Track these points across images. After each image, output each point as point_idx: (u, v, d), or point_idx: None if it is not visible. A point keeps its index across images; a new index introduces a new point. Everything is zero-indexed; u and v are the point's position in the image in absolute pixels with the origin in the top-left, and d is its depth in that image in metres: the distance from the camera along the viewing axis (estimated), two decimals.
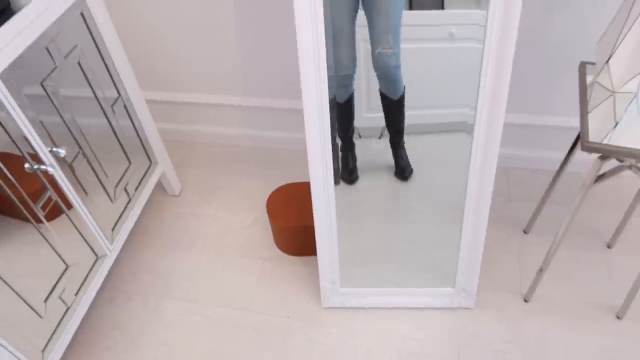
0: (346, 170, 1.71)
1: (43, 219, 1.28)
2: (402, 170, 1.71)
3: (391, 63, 1.46)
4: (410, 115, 1.63)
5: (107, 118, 1.51)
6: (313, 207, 1.38)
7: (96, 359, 1.52)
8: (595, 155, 1.20)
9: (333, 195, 1.39)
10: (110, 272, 1.72)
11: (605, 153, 1.10)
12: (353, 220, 1.70)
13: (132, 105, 1.59)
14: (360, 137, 1.73)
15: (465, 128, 1.41)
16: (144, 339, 1.56)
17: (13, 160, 1.18)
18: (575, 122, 1.74)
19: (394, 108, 1.60)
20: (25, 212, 1.23)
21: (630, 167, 1.28)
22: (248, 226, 1.84)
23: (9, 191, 1.17)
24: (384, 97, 1.59)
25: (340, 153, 1.68)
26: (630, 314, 1.50)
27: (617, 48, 1.11)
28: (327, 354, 1.48)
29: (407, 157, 1.71)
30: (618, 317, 1.50)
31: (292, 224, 1.64)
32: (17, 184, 1.18)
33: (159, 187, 1.95)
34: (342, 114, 1.64)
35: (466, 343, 1.48)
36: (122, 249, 1.78)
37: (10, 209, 1.21)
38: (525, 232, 1.73)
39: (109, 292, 1.68)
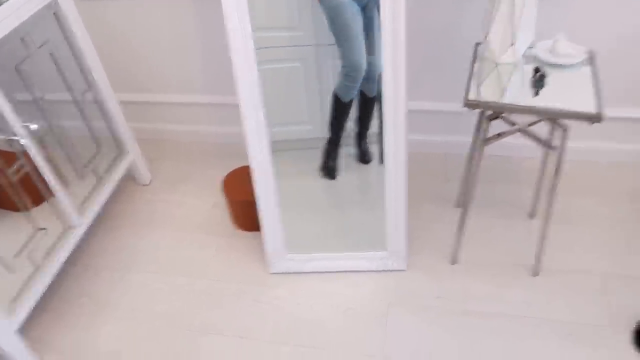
0: (327, 167, 1.95)
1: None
2: (364, 155, 1.98)
3: (378, 68, 1.69)
4: None
5: (78, 109, 1.73)
6: (253, 180, 1.57)
7: (66, 322, 1.68)
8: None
9: (270, 170, 1.57)
10: (80, 248, 1.90)
11: (482, 107, 1.30)
12: (300, 201, 1.90)
13: (103, 98, 1.81)
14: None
15: None
16: (110, 304, 1.73)
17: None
18: None
19: (369, 104, 1.83)
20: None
21: (520, 130, 1.48)
22: (208, 209, 2.03)
23: None
24: (363, 96, 1.83)
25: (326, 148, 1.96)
26: (545, 273, 1.67)
27: (492, 25, 1.33)
28: (274, 312, 1.65)
29: (368, 146, 1.96)
30: (534, 275, 1.67)
31: (242, 198, 1.82)
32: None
33: (130, 177, 2.15)
34: (344, 112, 1.87)
35: (397, 298, 1.64)
36: (92, 228, 1.96)
37: None
38: (455, 206, 1.92)
39: (80, 268, 1.86)
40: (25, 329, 1.62)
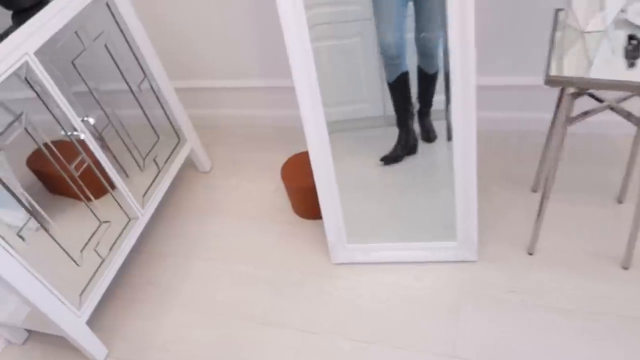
0: (399, 147, 1.87)
1: (81, 182, 1.49)
2: (428, 133, 1.86)
3: (434, 44, 1.57)
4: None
5: (136, 99, 1.72)
6: (312, 169, 1.50)
7: (132, 309, 1.71)
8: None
9: (329, 154, 1.49)
10: (144, 236, 1.92)
11: (565, 84, 1.14)
12: (361, 187, 1.82)
13: (159, 87, 1.80)
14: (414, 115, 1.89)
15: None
16: (174, 291, 1.74)
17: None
18: None
19: (429, 81, 1.72)
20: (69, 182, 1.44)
21: (610, 107, 1.30)
22: (269, 193, 1.99)
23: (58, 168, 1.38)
24: (421, 73, 1.71)
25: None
26: (636, 265, 1.49)
27: None
28: (335, 302, 1.59)
29: (432, 123, 1.84)
30: (624, 267, 1.50)
31: (302, 185, 1.76)
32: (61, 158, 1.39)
33: (190, 165, 2.15)
34: (393, 93, 1.78)
35: (468, 292, 1.53)
36: (155, 216, 1.98)
37: (60, 186, 1.43)
38: (532, 190, 1.76)
39: (144, 255, 1.88)
40: (94, 318, 1.66)
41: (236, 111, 2.31)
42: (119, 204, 1.65)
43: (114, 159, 1.62)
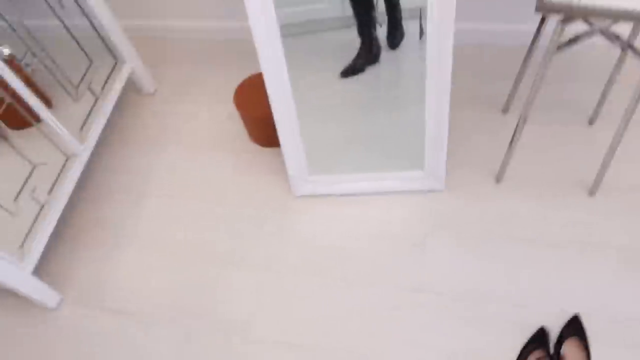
0: (360, 58, 1.71)
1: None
2: (394, 37, 1.71)
3: None
4: None
5: (57, 17, 1.46)
6: (269, 96, 1.35)
7: (84, 253, 1.61)
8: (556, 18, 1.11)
9: (288, 82, 1.34)
10: (90, 171, 1.76)
11: (562, 10, 1.01)
12: (320, 109, 1.68)
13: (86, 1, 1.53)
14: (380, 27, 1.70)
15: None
16: (127, 232, 1.63)
17: None
18: None
19: None
20: None
21: (600, 31, 1.18)
22: (223, 120, 1.83)
23: None
24: None
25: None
26: (602, 190, 1.47)
27: None
28: (297, 238, 1.53)
29: (400, 23, 1.69)
30: (590, 194, 1.47)
31: (259, 114, 1.61)
32: None
33: (132, 86, 1.93)
34: (356, 4, 1.58)
35: (435, 222, 1.49)
36: (99, 149, 1.80)
37: None
38: (503, 111, 1.67)
39: (90, 192, 1.73)
40: (43, 265, 1.55)
41: (184, 23, 2.05)
42: (52, 141, 1.47)
43: (38, 92, 1.40)
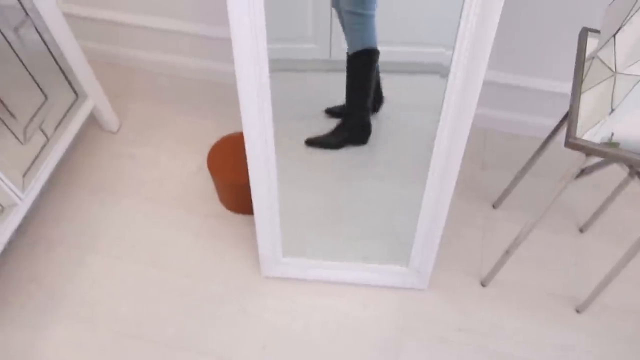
0: (337, 136, 1.51)
1: None
2: (376, 101, 1.50)
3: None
4: (383, 52, 1.41)
5: (10, 46, 1.25)
6: (249, 165, 1.18)
7: (8, 316, 1.37)
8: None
9: (273, 150, 1.17)
10: (31, 216, 1.54)
11: (594, 153, 0.90)
12: (300, 177, 1.52)
13: (46, 25, 1.32)
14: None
15: (440, 70, 1.19)
16: (64, 296, 1.41)
17: None
18: (568, 89, 1.52)
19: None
20: None
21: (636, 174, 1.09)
22: (192, 173, 1.65)
23: None
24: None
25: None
26: (591, 309, 1.38)
27: (628, 20, 0.88)
28: (261, 326, 1.36)
29: (380, 84, 1.49)
30: (577, 311, 1.38)
31: (235, 180, 1.45)
32: None
33: (93, 120, 1.72)
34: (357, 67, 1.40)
35: (412, 326, 1.36)
36: (44, 191, 1.58)
37: None
38: (494, 206, 1.57)
39: (28, 239, 1.51)
40: None
41: (158, 56, 1.86)
42: None
43: None
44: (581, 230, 1.52)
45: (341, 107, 1.49)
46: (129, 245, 1.50)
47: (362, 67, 1.32)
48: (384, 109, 1.61)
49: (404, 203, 1.35)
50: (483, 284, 1.43)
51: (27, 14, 1.26)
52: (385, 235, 1.45)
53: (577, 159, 0.98)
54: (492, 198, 1.58)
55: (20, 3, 1.24)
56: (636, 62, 0.92)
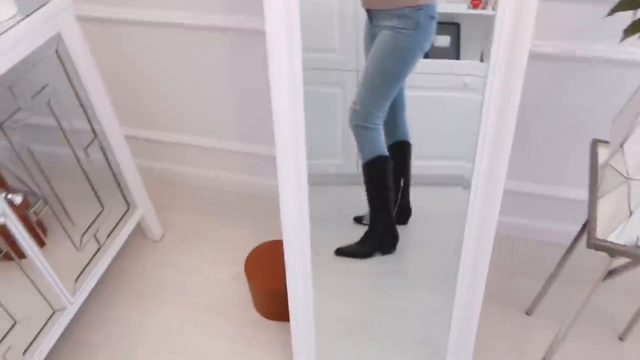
0: (362, 247, 1.58)
1: None
2: (405, 212, 1.57)
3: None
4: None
5: (78, 160, 1.42)
6: (286, 276, 1.25)
7: None
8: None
9: (309, 261, 1.25)
10: (74, 321, 1.59)
11: (615, 253, 0.95)
12: (334, 286, 1.56)
13: (109, 143, 1.50)
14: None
15: (461, 182, 1.28)
16: None
17: None
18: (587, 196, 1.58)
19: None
20: None
21: None
22: (228, 281, 1.71)
23: None
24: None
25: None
26: None
27: (634, 131, 0.98)
28: None
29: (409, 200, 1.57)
30: None
31: (270, 287, 1.50)
32: None
33: (138, 230, 1.84)
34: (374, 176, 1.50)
35: None
36: (89, 296, 1.65)
37: None
38: (527, 313, 1.57)
39: (70, 344, 1.55)
40: None
41: (200, 171, 2.03)
42: (42, 294, 1.33)
43: (42, 242, 1.30)
44: (621, 339, 1.49)
45: (355, 246, 1.58)
46: (168, 351, 1.53)
47: (377, 174, 1.44)
48: (412, 220, 1.69)
49: (435, 312, 1.37)
50: None
51: (95, 135, 1.44)
52: (418, 345, 1.44)
53: (602, 261, 1.03)
54: (524, 305, 1.58)
55: (91, 126, 1.42)
56: None
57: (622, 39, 0.91)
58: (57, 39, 1.25)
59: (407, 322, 1.50)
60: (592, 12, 1.25)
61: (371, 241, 1.58)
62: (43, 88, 1.25)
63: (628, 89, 1.33)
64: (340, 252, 1.59)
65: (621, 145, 1.00)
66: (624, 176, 1.04)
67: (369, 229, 1.58)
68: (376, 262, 1.64)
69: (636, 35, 0.90)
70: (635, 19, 0.92)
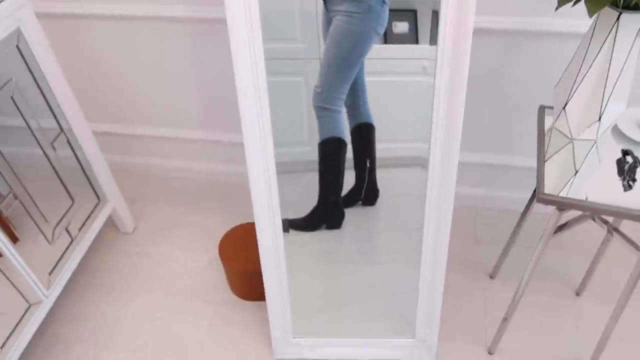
0: (315, 218, 1.63)
1: None
2: (373, 192, 1.63)
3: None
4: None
5: (45, 155, 1.42)
6: (260, 254, 1.30)
7: None
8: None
9: (282, 240, 1.31)
10: (49, 316, 1.60)
11: (561, 206, 1.03)
12: (307, 264, 1.62)
13: (76, 138, 1.51)
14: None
15: (421, 162, 1.35)
16: None
17: None
18: None
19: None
20: None
21: (592, 217, 1.21)
22: (203, 266, 1.74)
23: None
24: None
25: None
26: None
27: (572, 95, 1.06)
28: None
29: (376, 182, 1.64)
30: None
31: (245, 268, 1.54)
32: None
33: (110, 223, 1.85)
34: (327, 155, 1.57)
35: None
36: (63, 292, 1.66)
37: None
38: (491, 277, 1.66)
39: (46, 339, 1.56)
40: None
41: (170, 162, 2.05)
42: (17, 289, 1.34)
43: (15, 237, 1.31)
44: (577, 294, 1.60)
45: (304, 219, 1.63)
46: (144, 339, 1.55)
47: (330, 154, 1.50)
48: (378, 200, 1.76)
49: (404, 284, 1.44)
50: (490, 352, 1.47)
51: (62, 130, 1.45)
52: (391, 313, 1.51)
53: (552, 216, 1.11)
54: (488, 269, 1.67)
55: (58, 123, 1.43)
56: (586, 128, 1.08)
57: (557, 8, 0.99)
58: (17, 34, 1.26)
59: (378, 295, 1.57)
60: None
61: (316, 217, 1.63)
62: (6, 83, 1.26)
63: (567, 58, 1.42)
64: (291, 224, 1.64)
65: (563, 108, 1.08)
66: (568, 137, 1.12)
67: (315, 205, 1.63)
68: (348, 242, 1.70)
69: (569, 4, 0.98)
70: None
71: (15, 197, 1.31)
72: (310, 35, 1.58)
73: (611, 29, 0.97)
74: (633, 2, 0.93)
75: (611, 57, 0.99)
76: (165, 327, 1.58)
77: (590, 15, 0.91)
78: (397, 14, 1.38)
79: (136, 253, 1.80)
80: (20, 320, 1.36)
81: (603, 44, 0.99)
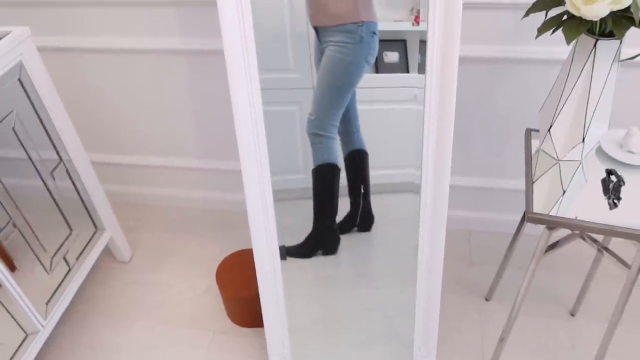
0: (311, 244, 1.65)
1: None
2: (368, 218, 1.65)
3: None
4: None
5: (45, 185, 1.45)
6: (258, 280, 1.32)
7: None
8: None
9: (279, 266, 1.32)
10: (46, 346, 1.60)
11: (550, 224, 1.06)
12: (304, 289, 1.63)
13: (75, 168, 1.54)
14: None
15: (413, 188, 1.39)
16: None
17: None
18: None
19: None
20: None
21: (582, 236, 1.24)
22: (200, 294, 1.75)
23: None
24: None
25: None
26: None
27: (556, 118, 1.10)
28: None
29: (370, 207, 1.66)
30: None
31: (242, 294, 1.56)
32: None
33: (107, 252, 1.86)
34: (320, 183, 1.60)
35: None
36: (60, 321, 1.66)
37: None
38: (487, 299, 1.67)
39: None
40: None
41: (167, 191, 2.07)
42: (14, 318, 1.34)
43: (13, 267, 1.32)
44: (572, 314, 1.61)
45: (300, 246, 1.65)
46: None
47: (324, 180, 1.53)
48: (374, 226, 1.79)
49: (401, 307, 1.46)
50: None
51: (61, 160, 1.47)
52: (388, 338, 1.52)
53: (542, 235, 1.14)
54: (483, 291, 1.69)
55: (58, 154, 1.46)
56: (571, 149, 1.12)
57: (537, 36, 1.04)
58: (19, 68, 1.30)
59: (375, 319, 1.58)
60: (513, 18, 1.40)
61: (312, 242, 1.65)
62: (8, 114, 1.29)
63: (550, 82, 1.48)
64: (287, 251, 1.65)
65: (548, 131, 1.13)
66: (554, 158, 1.16)
67: (311, 231, 1.65)
68: (344, 267, 1.72)
69: (548, 33, 1.03)
70: (547, 19, 1.05)
71: (14, 226, 1.32)
72: (303, 65, 1.64)
73: (589, 55, 1.02)
74: (608, 30, 0.99)
75: (591, 81, 1.04)
76: (163, 355, 1.58)
77: (568, 43, 0.96)
78: (387, 44, 1.44)
79: (133, 282, 1.80)
80: (17, 351, 1.35)
81: (582, 69, 1.04)
